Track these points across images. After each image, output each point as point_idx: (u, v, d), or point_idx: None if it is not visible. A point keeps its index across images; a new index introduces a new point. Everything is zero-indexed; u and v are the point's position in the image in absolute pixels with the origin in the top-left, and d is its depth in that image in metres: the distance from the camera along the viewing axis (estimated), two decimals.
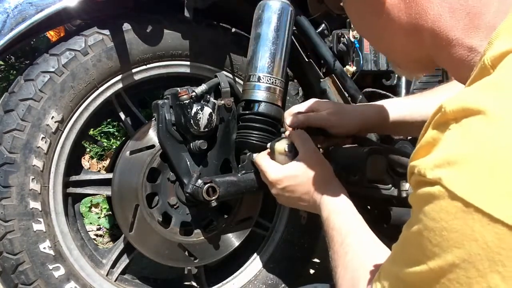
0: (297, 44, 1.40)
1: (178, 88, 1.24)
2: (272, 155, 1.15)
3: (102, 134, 3.30)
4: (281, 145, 1.12)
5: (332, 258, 0.85)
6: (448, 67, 0.69)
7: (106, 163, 3.17)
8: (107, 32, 1.28)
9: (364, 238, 0.87)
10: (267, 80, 1.23)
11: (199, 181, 1.22)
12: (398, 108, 1.14)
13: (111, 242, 2.36)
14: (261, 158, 1.12)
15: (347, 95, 1.40)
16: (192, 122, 1.21)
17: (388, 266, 0.59)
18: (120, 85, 1.32)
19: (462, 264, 0.46)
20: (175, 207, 1.33)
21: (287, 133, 1.16)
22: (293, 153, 1.09)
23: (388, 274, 0.58)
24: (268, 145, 1.16)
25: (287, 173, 1.06)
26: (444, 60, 0.66)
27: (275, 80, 1.24)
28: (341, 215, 0.92)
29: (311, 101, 1.19)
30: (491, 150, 0.45)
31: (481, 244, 0.44)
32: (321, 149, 1.19)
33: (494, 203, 0.44)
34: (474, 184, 0.45)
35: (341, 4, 0.79)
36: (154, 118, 1.30)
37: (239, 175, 1.28)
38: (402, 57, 0.75)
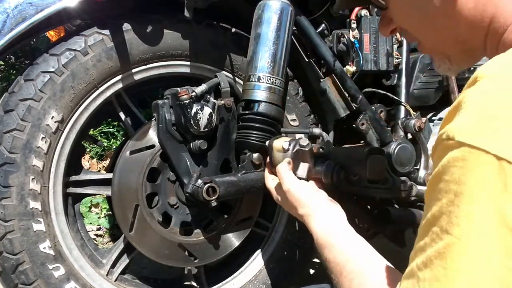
0: (297, 44, 1.40)
1: (178, 88, 1.24)
2: (270, 152, 1.15)
3: (102, 134, 3.30)
4: (279, 143, 1.12)
5: (337, 287, 0.83)
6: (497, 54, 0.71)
7: (106, 163, 3.17)
8: (107, 32, 1.28)
9: (362, 259, 0.84)
10: (267, 80, 1.23)
11: (199, 181, 1.22)
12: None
13: (111, 242, 2.36)
14: (282, 168, 1.10)
15: (347, 95, 1.40)
16: (192, 122, 1.21)
17: (410, 267, 0.56)
18: (120, 85, 1.32)
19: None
20: (175, 207, 1.33)
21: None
22: (290, 151, 1.09)
23: (409, 275, 0.56)
24: (267, 143, 1.17)
25: (296, 191, 1.05)
26: (496, 46, 0.68)
27: (275, 80, 1.24)
28: (333, 248, 0.89)
29: None
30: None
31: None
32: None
33: None
34: (501, 139, 0.49)
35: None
36: (154, 118, 1.30)
37: (239, 175, 1.28)
38: (457, 47, 0.74)
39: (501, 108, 0.51)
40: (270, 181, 1.15)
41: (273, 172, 1.16)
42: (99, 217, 2.61)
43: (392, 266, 0.78)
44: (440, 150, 0.55)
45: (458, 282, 0.50)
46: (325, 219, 0.97)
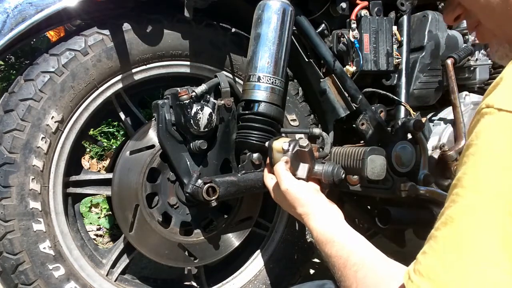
0: (297, 44, 1.40)
1: (178, 88, 1.24)
2: (270, 153, 1.15)
3: (102, 134, 3.30)
4: (279, 144, 1.12)
5: (341, 280, 0.83)
6: None
7: (106, 163, 3.17)
8: (107, 32, 1.28)
9: (364, 251, 0.85)
10: (267, 80, 1.23)
11: (199, 181, 1.22)
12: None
13: (111, 242, 2.36)
14: (279, 168, 1.10)
15: (347, 95, 1.40)
16: (192, 122, 1.21)
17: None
18: (120, 85, 1.32)
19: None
20: (175, 207, 1.33)
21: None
22: (290, 152, 1.09)
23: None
24: (267, 143, 1.17)
25: (295, 190, 1.06)
26: None
27: (275, 80, 1.24)
28: (335, 243, 0.90)
29: None
30: None
31: None
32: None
33: None
34: None
35: None
36: (154, 118, 1.30)
37: (239, 175, 1.28)
38: None
39: None
40: (269, 180, 1.16)
41: (273, 172, 1.16)
42: (99, 217, 2.61)
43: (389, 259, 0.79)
44: (477, 119, 0.60)
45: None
46: (324, 216, 0.98)
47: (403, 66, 1.48)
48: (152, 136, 1.32)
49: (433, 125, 1.55)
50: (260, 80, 1.23)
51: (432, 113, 1.62)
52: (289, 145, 1.10)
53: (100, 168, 3.17)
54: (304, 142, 1.10)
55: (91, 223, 2.56)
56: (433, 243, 0.60)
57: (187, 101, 1.21)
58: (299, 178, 1.09)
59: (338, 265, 0.84)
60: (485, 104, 0.59)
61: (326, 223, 0.96)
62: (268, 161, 1.18)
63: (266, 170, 1.19)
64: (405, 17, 1.50)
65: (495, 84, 0.61)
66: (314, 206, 1.01)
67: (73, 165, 1.36)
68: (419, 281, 0.59)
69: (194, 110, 1.21)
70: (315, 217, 0.99)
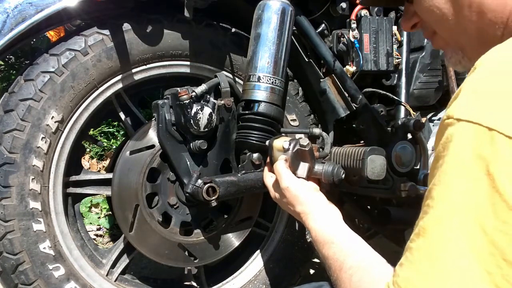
0: (297, 44, 1.40)
1: (178, 88, 1.24)
2: (270, 152, 1.15)
3: (102, 134, 3.30)
4: (279, 142, 1.12)
5: (336, 284, 0.83)
6: None
7: (106, 163, 3.17)
8: (107, 32, 1.28)
9: (361, 254, 0.84)
10: (267, 80, 1.23)
11: (199, 181, 1.22)
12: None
13: (111, 242, 2.36)
14: (280, 166, 1.10)
15: (347, 95, 1.40)
16: (192, 122, 1.21)
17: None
18: (120, 85, 1.32)
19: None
20: (175, 207, 1.33)
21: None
22: (290, 151, 1.09)
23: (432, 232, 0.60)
24: (267, 142, 1.17)
25: (294, 188, 1.06)
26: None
27: (275, 80, 1.24)
28: (332, 245, 0.90)
29: None
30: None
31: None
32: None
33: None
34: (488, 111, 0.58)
35: None
36: (154, 118, 1.30)
37: (239, 175, 1.28)
38: (475, 37, 0.78)
39: (493, 86, 0.59)
40: (269, 179, 1.16)
41: (273, 170, 1.16)
42: (99, 217, 2.61)
43: (387, 263, 0.79)
44: (440, 131, 0.62)
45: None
46: (323, 217, 0.98)
47: (403, 66, 1.48)
48: (152, 136, 1.32)
49: (433, 125, 1.55)
50: (260, 80, 1.23)
51: (432, 113, 1.62)
52: (290, 144, 1.10)
53: (100, 168, 3.17)
54: (305, 141, 1.10)
55: (91, 223, 2.56)
56: (408, 255, 0.62)
57: (187, 101, 1.21)
58: (299, 177, 1.09)
59: (334, 268, 0.84)
60: (446, 115, 0.61)
61: (325, 223, 0.96)
62: (268, 160, 1.18)
63: (266, 169, 1.19)
64: None
65: (455, 95, 0.63)
66: (314, 205, 1.01)
67: (73, 165, 1.36)
68: None
69: (194, 110, 1.21)
70: (314, 216, 0.99)
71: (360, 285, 0.76)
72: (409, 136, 1.42)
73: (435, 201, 0.60)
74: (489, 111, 0.57)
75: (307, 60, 1.42)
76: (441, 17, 0.80)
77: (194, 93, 1.23)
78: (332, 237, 0.91)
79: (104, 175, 1.44)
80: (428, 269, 0.58)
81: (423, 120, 1.43)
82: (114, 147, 3.20)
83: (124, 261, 1.41)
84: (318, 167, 1.13)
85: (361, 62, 1.40)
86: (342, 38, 1.43)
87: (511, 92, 0.58)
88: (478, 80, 0.61)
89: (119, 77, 1.31)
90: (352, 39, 1.40)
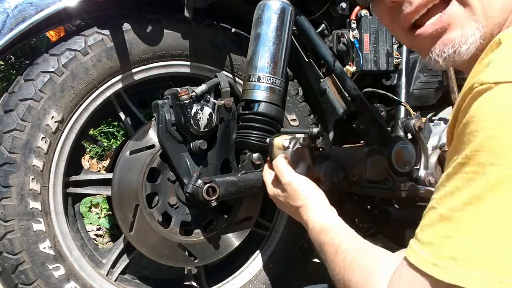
0: (297, 44, 1.40)
1: (178, 88, 1.24)
2: (270, 150, 1.15)
3: (102, 134, 3.30)
4: (279, 141, 1.13)
5: (331, 269, 0.83)
6: None
7: (106, 163, 3.17)
8: (107, 32, 1.28)
9: (357, 240, 0.87)
10: (267, 80, 1.23)
11: (199, 181, 1.22)
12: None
13: (111, 242, 2.36)
14: (280, 162, 1.11)
15: (347, 95, 1.40)
16: (192, 122, 1.21)
17: (435, 215, 0.57)
18: (120, 85, 1.32)
19: None
20: (175, 207, 1.33)
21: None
22: (290, 149, 1.09)
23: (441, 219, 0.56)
24: (267, 140, 1.17)
25: (295, 184, 1.06)
26: None
27: (275, 80, 1.24)
28: (330, 231, 0.92)
29: None
30: None
31: None
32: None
33: None
34: None
35: None
36: (154, 118, 1.30)
37: (239, 175, 1.28)
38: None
39: None
40: (268, 176, 1.16)
41: (272, 168, 1.17)
42: (99, 217, 2.61)
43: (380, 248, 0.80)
44: (471, 98, 0.56)
45: None
46: (322, 209, 1.01)
47: (403, 66, 1.48)
48: (152, 136, 1.32)
49: (433, 125, 1.55)
50: (260, 80, 1.23)
51: (432, 113, 1.62)
52: (290, 142, 1.10)
53: (100, 168, 3.17)
54: (305, 140, 1.10)
55: (91, 223, 2.56)
56: (460, 226, 0.54)
57: (187, 101, 1.21)
58: None
59: (330, 253, 0.85)
60: (478, 83, 0.56)
61: (323, 214, 0.99)
62: (268, 158, 1.19)
63: (266, 166, 1.20)
64: None
65: (482, 66, 0.59)
66: (313, 200, 1.03)
67: (73, 165, 1.36)
68: (467, 270, 0.52)
69: (194, 110, 1.21)
70: (313, 208, 1.01)
71: (353, 266, 0.76)
72: (409, 136, 1.42)
73: (486, 167, 0.52)
74: None
75: (307, 60, 1.42)
76: None
77: (194, 93, 1.23)
78: (329, 224, 0.94)
79: (104, 175, 1.44)
80: (497, 245, 0.51)
81: (423, 120, 1.43)
82: (114, 147, 3.21)
83: (124, 261, 1.41)
84: (317, 167, 1.13)
85: (361, 62, 1.40)
86: (342, 38, 1.43)
87: None
88: (510, 51, 0.58)
89: (119, 77, 1.31)
90: (352, 39, 1.40)
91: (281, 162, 1.10)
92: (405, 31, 0.77)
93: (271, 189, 1.14)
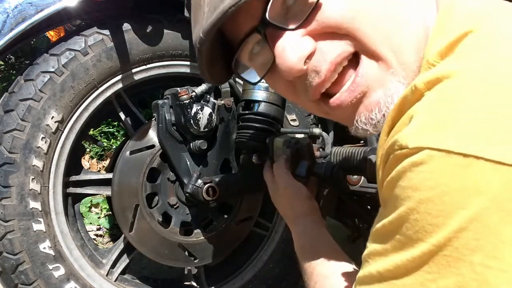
0: None
1: (178, 88, 1.24)
2: (271, 149, 1.15)
3: (102, 134, 3.30)
4: (279, 141, 1.13)
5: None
6: None
7: (106, 163, 3.17)
8: (107, 32, 1.28)
9: (333, 265, 0.85)
10: None
11: (199, 181, 1.22)
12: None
13: (111, 242, 2.36)
14: (280, 166, 1.10)
15: None
16: (192, 122, 1.21)
17: (368, 272, 0.53)
18: (120, 85, 1.32)
19: (470, 226, 0.42)
20: (175, 207, 1.33)
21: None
22: (290, 149, 1.09)
23: (369, 279, 0.53)
24: (267, 140, 1.17)
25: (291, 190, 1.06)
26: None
27: None
28: (312, 249, 0.91)
29: None
30: (471, 102, 0.44)
31: (487, 196, 0.41)
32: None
33: (491, 148, 0.42)
34: (465, 135, 0.43)
35: None
36: (154, 118, 1.30)
37: (239, 175, 1.28)
38: None
39: (455, 109, 0.46)
40: (269, 175, 1.16)
41: (273, 168, 1.17)
42: (99, 217, 2.61)
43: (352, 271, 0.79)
44: (392, 159, 0.49)
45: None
46: (308, 223, 0.98)
47: None
48: (152, 136, 1.32)
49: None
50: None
51: None
52: (290, 143, 1.10)
53: (100, 168, 3.17)
54: (305, 140, 1.10)
55: (91, 223, 2.55)
56: None
57: (187, 101, 1.21)
58: (298, 176, 1.09)
59: (306, 273, 0.86)
60: (398, 145, 0.47)
61: (308, 230, 0.97)
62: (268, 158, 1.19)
63: (266, 166, 1.20)
64: None
65: (402, 121, 0.51)
66: (302, 211, 1.01)
67: (73, 165, 1.36)
68: None
69: (194, 110, 1.21)
70: (300, 220, 0.99)
71: None
72: None
73: (415, 242, 0.47)
74: (460, 133, 0.45)
75: None
76: None
77: (194, 93, 1.23)
78: (312, 242, 0.92)
79: (104, 175, 1.44)
80: None
81: None
82: (114, 147, 3.20)
83: (124, 261, 1.41)
84: (318, 167, 1.13)
85: None
86: None
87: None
88: (432, 103, 0.48)
89: (119, 77, 1.31)
90: None
91: (280, 166, 1.09)
92: (317, 102, 0.65)
93: (271, 191, 1.14)
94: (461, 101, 0.46)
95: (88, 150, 3.22)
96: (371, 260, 0.53)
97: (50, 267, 1.24)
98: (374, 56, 0.59)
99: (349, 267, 0.82)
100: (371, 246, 0.54)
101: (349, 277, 0.78)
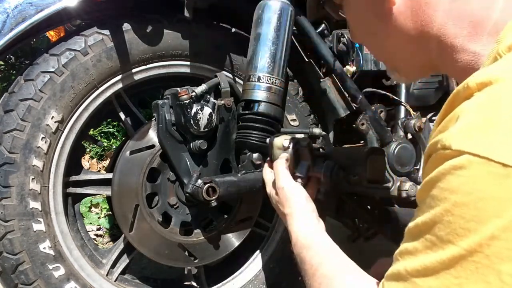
0: (297, 44, 1.40)
1: (178, 88, 1.24)
2: (270, 150, 1.15)
3: (102, 134, 3.30)
4: (279, 141, 1.13)
5: None
6: (452, 72, 0.70)
7: (106, 163, 3.17)
8: (107, 32, 1.28)
9: (335, 264, 0.84)
10: (267, 80, 1.23)
11: (199, 181, 1.22)
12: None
13: (111, 242, 2.36)
14: (280, 164, 1.10)
15: (347, 95, 1.40)
16: (192, 122, 1.21)
17: (396, 270, 0.55)
18: (120, 85, 1.32)
19: (503, 235, 0.43)
20: (175, 207, 1.33)
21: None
22: (290, 149, 1.09)
23: (396, 277, 0.54)
24: (267, 140, 1.17)
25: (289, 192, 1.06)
26: (449, 65, 0.67)
27: (275, 80, 1.24)
28: (311, 250, 0.90)
29: None
30: None
31: None
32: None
33: None
34: (508, 145, 0.44)
35: (340, 13, 0.79)
36: (154, 118, 1.30)
37: (239, 175, 1.28)
38: (404, 63, 0.75)
39: (501, 115, 0.47)
40: (268, 175, 1.16)
41: (272, 167, 1.17)
42: (99, 217, 2.61)
43: (364, 273, 0.78)
44: (435, 158, 0.51)
45: None
46: (307, 223, 0.99)
47: None
48: (152, 136, 1.32)
49: (433, 125, 1.55)
50: (260, 80, 1.23)
51: (432, 113, 1.62)
52: (290, 143, 1.10)
53: (100, 168, 3.17)
54: (305, 140, 1.10)
55: (91, 223, 2.55)
56: None
57: (187, 101, 1.21)
58: (298, 176, 1.09)
59: (308, 273, 0.85)
60: (442, 145, 0.49)
61: (307, 229, 0.96)
62: (268, 158, 1.19)
63: (266, 166, 1.20)
64: None
65: (449, 119, 0.52)
66: (301, 211, 1.01)
67: (73, 165, 1.36)
68: None
69: (194, 110, 1.21)
70: (298, 221, 0.99)
71: None
72: (409, 136, 1.42)
73: (445, 244, 0.49)
74: (502, 143, 0.46)
75: (307, 60, 1.42)
76: (367, 41, 0.77)
77: (194, 93, 1.23)
78: (310, 243, 0.92)
79: (104, 175, 1.44)
80: None
81: (423, 120, 1.43)
82: (114, 147, 3.20)
83: (124, 261, 1.41)
84: (317, 167, 1.13)
85: (361, 62, 1.40)
86: (342, 38, 1.43)
87: None
88: (481, 106, 0.50)
89: (119, 77, 1.31)
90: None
91: (280, 165, 1.09)
92: None
93: (269, 189, 1.14)
94: (508, 108, 0.47)
95: (88, 150, 3.22)
96: (401, 259, 0.55)
97: (50, 267, 1.24)
98: None
99: (351, 267, 0.81)
100: (403, 245, 0.55)
101: (353, 277, 0.78)
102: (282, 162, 1.09)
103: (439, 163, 0.49)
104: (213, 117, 1.24)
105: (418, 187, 1.32)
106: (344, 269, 0.81)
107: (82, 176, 1.38)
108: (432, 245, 0.50)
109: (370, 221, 1.62)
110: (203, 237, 1.37)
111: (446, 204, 0.47)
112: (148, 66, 1.34)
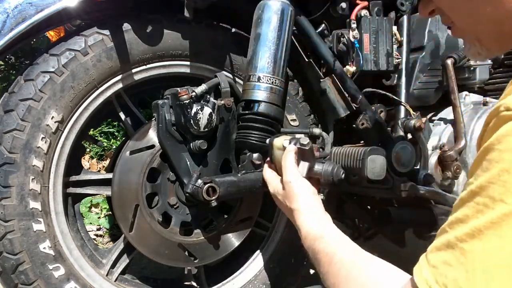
0: (297, 44, 1.40)
1: (178, 88, 1.24)
2: (270, 150, 1.15)
3: (102, 134, 3.30)
4: (280, 141, 1.13)
5: (325, 279, 0.83)
6: None
7: (106, 163, 3.17)
8: (107, 32, 1.28)
9: (352, 249, 0.85)
10: (267, 80, 1.23)
11: (199, 181, 1.22)
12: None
13: (111, 242, 2.36)
14: (289, 157, 1.09)
15: (347, 95, 1.40)
16: (192, 122, 1.21)
17: (445, 239, 0.55)
18: (120, 85, 1.32)
19: None
20: (175, 207, 1.33)
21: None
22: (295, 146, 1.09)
23: (446, 246, 0.55)
24: (267, 140, 1.17)
25: (295, 185, 1.06)
26: None
27: (275, 80, 1.24)
28: (323, 239, 0.91)
29: None
30: None
31: None
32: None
33: None
34: None
35: None
36: (154, 118, 1.30)
37: (239, 175, 1.28)
38: (490, 30, 0.72)
39: None
40: (269, 173, 1.16)
41: (272, 168, 1.17)
42: (99, 217, 2.61)
43: (377, 258, 0.79)
44: (496, 122, 0.53)
45: None
46: (316, 215, 1.00)
47: (403, 66, 1.48)
48: (152, 136, 1.32)
49: (433, 125, 1.55)
50: (260, 80, 1.23)
51: (432, 113, 1.62)
52: (290, 143, 1.10)
53: (100, 168, 3.17)
54: (305, 140, 1.10)
55: (91, 223, 2.56)
56: (460, 256, 0.54)
57: (187, 101, 1.21)
58: None
59: (324, 262, 0.85)
60: (505, 107, 0.52)
61: (317, 221, 0.98)
62: (268, 158, 1.19)
63: (266, 166, 1.20)
64: (405, 17, 1.50)
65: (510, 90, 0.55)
66: (309, 205, 1.02)
67: (73, 165, 1.36)
68: None
69: (194, 110, 1.21)
70: (307, 214, 1.00)
71: (348, 279, 0.76)
72: (409, 136, 1.42)
73: (495, 202, 0.51)
74: None
75: (307, 60, 1.42)
76: (454, 6, 0.75)
77: (194, 93, 1.23)
78: (323, 232, 0.93)
79: (104, 175, 1.44)
80: (483, 283, 0.52)
81: (423, 120, 1.43)
82: (114, 147, 3.21)
83: (124, 261, 1.41)
84: (318, 167, 1.13)
85: (361, 62, 1.40)
86: (342, 38, 1.43)
87: None
88: None
89: (119, 77, 1.31)
90: (352, 39, 1.40)
91: (289, 159, 1.08)
92: None
93: (272, 186, 1.14)
94: None
95: (88, 150, 3.22)
96: (450, 229, 0.55)
97: (50, 267, 1.24)
98: None
99: (365, 253, 0.82)
100: (451, 217, 0.56)
101: (377, 259, 0.78)
102: (291, 156, 1.09)
103: (500, 125, 0.51)
104: (213, 117, 1.24)
105: (419, 187, 1.33)
106: (363, 253, 0.82)
107: (82, 176, 1.38)
108: (483, 207, 0.51)
109: (370, 221, 1.62)
110: (203, 237, 1.37)
111: (504, 164, 0.49)
112: (148, 66, 1.34)
